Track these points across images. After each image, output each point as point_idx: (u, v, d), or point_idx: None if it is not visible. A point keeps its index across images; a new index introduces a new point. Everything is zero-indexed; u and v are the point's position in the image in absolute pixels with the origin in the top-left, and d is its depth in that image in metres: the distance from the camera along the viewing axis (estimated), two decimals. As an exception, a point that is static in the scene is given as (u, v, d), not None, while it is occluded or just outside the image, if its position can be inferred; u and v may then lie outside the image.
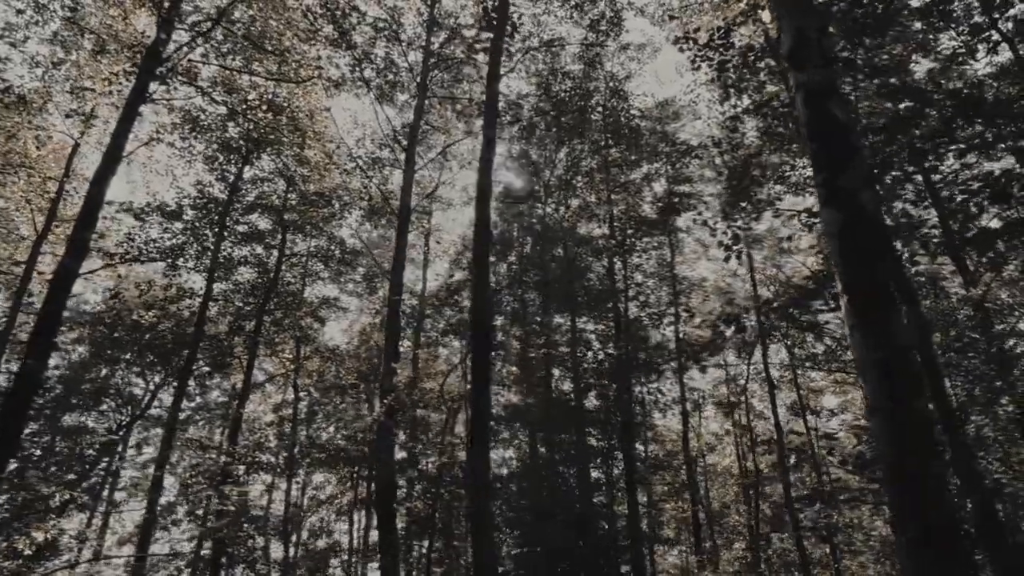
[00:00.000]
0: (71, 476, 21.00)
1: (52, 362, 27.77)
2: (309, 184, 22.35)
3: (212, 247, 18.54)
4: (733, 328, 8.81)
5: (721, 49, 10.51)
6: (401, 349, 15.50)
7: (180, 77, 15.15)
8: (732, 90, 10.65)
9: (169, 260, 17.75)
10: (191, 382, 25.45)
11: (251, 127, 18.74)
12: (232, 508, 17.80)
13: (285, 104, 18.21)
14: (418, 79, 17.16)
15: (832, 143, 4.99)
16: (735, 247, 9.70)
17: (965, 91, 7.34)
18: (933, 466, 3.89)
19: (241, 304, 20.87)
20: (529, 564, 14.56)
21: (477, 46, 14.31)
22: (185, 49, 13.84)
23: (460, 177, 26.80)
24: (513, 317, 24.81)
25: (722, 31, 10.16)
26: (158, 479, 16.07)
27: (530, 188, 24.15)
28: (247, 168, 21.30)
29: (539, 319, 23.36)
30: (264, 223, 22.22)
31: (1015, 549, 10.47)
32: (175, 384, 17.42)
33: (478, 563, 9.16)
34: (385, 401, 12.17)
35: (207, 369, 19.52)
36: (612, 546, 15.64)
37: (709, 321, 30.02)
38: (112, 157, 12.02)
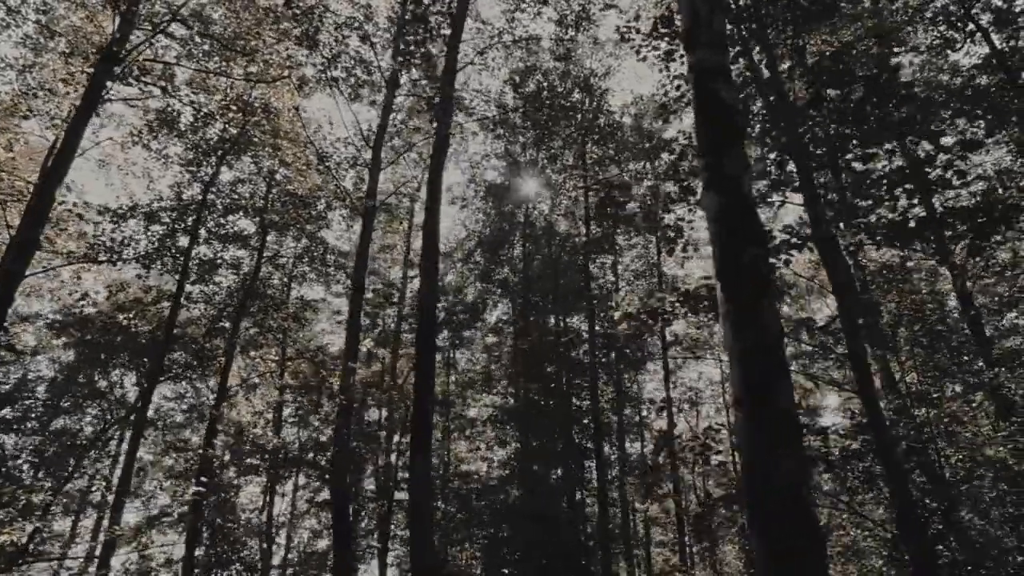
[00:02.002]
0: (48, 481, 21.11)
1: (41, 365, 28.04)
2: (290, 185, 22.31)
3: (184, 249, 18.44)
4: (658, 321, 8.61)
5: (667, 38, 10.32)
6: (366, 349, 15.35)
7: (144, 78, 15.07)
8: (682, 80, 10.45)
9: (144, 263, 17.64)
10: (171, 384, 25.71)
11: (223, 128, 18.71)
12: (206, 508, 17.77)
13: (256, 104, 18.14)
14: (387, 76, 17.02)
15: (717, 125, 4.80)
16: (680, 239, 9.49)
17: (875, 71, 7.08)
18: (785, 464, 3.69)
19: (220, 307, 20.82)
20: (496, 564, 14.38)
21: (436, 39, 14.16)
22: (142, 47, 13.69)
23: (446, 176, 26.64)
24: (504, 318, 24.70)
25: (665, 19, 9.96)
26: (125, 480, 15.96)
27: (515, 187, 24.00)
28: (224, 169, 21.33)
29: (530, 318, 23.18)
30: (244, 224, 22.23)
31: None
32: (144, 386, 17.32)
33: (415, 562, 9.02)
34: (338, 400, 12.02)
35: (181, 371, 19.42)
36: (582, 547, 15.42)
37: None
38: (64, 158, 11.96)
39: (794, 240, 7.60)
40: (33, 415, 22.57)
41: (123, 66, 13.01)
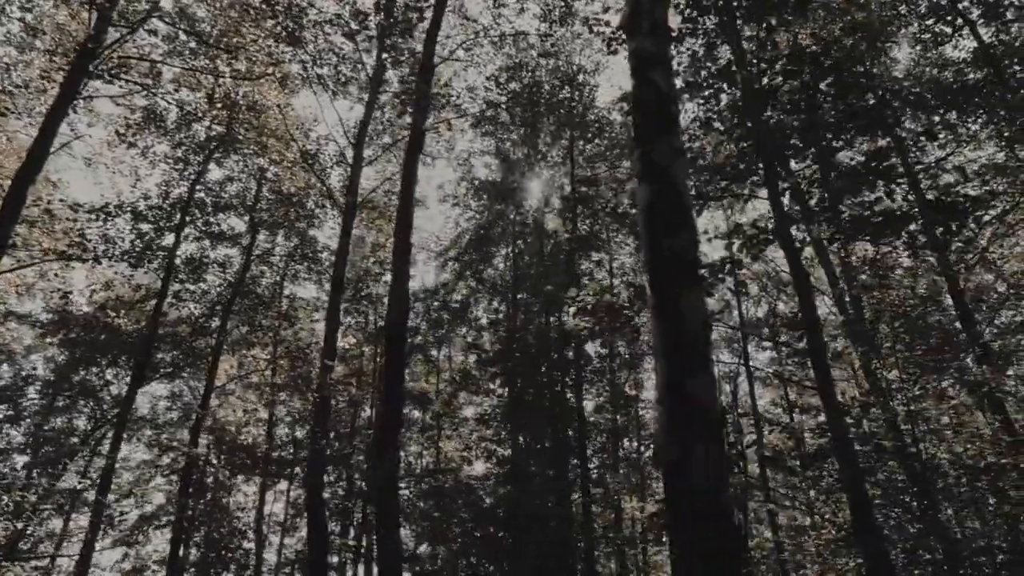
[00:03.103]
0: (42, 480, 21.12)
1: (37, 364, 28.08)
2: (280, 184, 22.27)
3: (170, 247, 18.39)
4: (619, 318, 8.49)
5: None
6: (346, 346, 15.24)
7: (124, 75, 15.02)
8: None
9: (128, 261, 17.58)
10: (167, 383, 25.70)
11: (209, 126, 18.67)
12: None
13: (242, 102, 18.08)
14: (371, 74, 16.93)
15: (651, 114, 4.69)
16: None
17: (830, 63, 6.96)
18: (703, 463, 3.58)
19: (211, 305, 20.78)
20: (478, 562, 14.28)
21: (409, 36, 14.08)
22: (118, 44, 13.64)
23: (437, 175, 26.62)
24: (493, 316, 24.55)
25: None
26: (106, 479, 15.92)
27: (506, 184, 23.87)
28: (214, 168, 21.31)
29: (520, 316, 23.04)
30: (233, 222, 22.21)
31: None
32: (127, 385, 17.29)
33: (382, 559, 8.94)
34: (312, 397, 11.95)
35: (169, 370, 19.39)
36: (568, 546, 15.30)
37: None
38: (38, 155, 11.91)
39: (762, 236, 7.48)
40: (26, 414, 22.64)
41: (97, 62, 12.93)
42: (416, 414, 24.90)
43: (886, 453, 9.76)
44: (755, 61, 9.02)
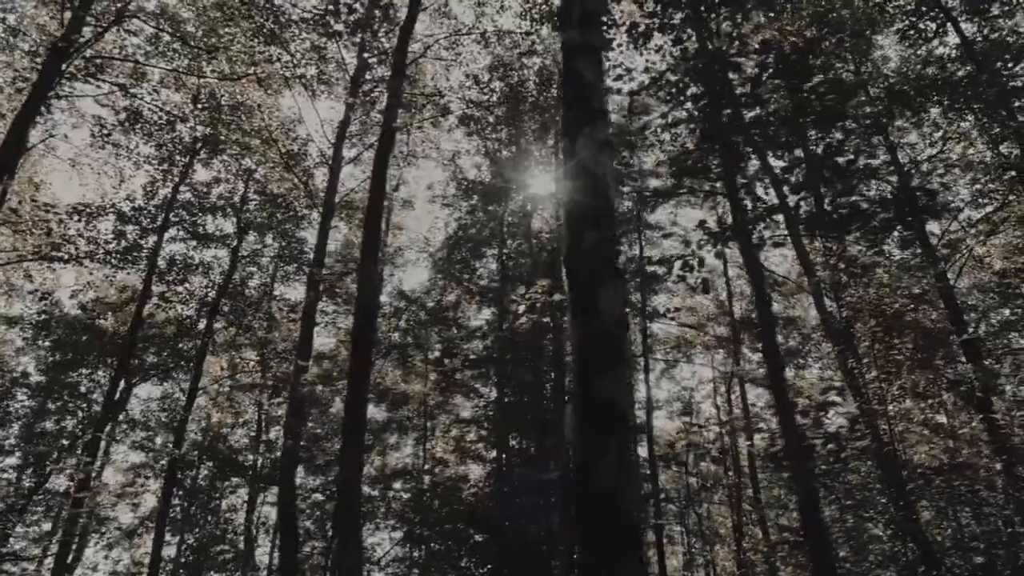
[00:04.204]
0: (32, 480, 21.08)
1: (29, 367, 28.06)
2: (268, 185, 22.22)
3: (152, 248, 18.34)
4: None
5: (606, 28, 10.10)
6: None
7: (100, 75, 14.97)
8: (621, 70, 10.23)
9: (108, 262, 17.53)
10: (160, 385, 25.65)
11: (192, 126, 18.61)
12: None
13: (224, 102, 18.03)
14: (352, 74, 16.85)
15: (575, 105, 4.59)
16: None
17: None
18: (608, 463, 3.46)
19: (197, 307, 20.73)
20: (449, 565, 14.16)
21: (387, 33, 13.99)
22: (90, 44, 13.57)
23: (426, 176, 26.52)
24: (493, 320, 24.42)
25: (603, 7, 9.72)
26: (84, 481, 15.85)
27: (495, 184, 23.76)
28: (199, 168, 21.26)
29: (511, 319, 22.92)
30: (220, 223, 22.13)
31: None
32: (107, 387, 17.23)
33: (340, 562, 8.83)
34: (283, 397, 11.86)
35: (153, 372, 19.32)
36: (548, 551, 15.19)
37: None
38: (9, 153, 11.85)
39: (715, 232, 7.36)
40: (13, 417, 22.60)
41: (70, 61, 12.86)
42: (387, 415, 24.76)
43: (863, 453, 9.63)
44: (722, 56, 8.90)
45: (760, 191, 7.43)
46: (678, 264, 7.42)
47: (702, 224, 8.18)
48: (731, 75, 8.50)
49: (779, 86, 7.08)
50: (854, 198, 7.72)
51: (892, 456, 10.72)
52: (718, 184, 7.80)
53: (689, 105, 8.74)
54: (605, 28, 10.23)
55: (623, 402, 3.66)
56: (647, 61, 10.18)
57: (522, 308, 9.29)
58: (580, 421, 3.64)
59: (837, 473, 9.60)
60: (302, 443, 13.23)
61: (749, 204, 7.36)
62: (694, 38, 9.61)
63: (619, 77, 10.57)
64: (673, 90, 9.10)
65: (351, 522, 8.86)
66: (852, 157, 6.45)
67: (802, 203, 8.02)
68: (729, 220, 8.12)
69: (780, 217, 8.87)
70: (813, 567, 5.76)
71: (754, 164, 7.91)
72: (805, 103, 6.67)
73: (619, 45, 10.31)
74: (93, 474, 24.54)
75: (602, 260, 4.01)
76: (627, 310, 4.11)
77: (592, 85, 4.65)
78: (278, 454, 13.76)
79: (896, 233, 6.97)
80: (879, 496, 10.96)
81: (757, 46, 9.24)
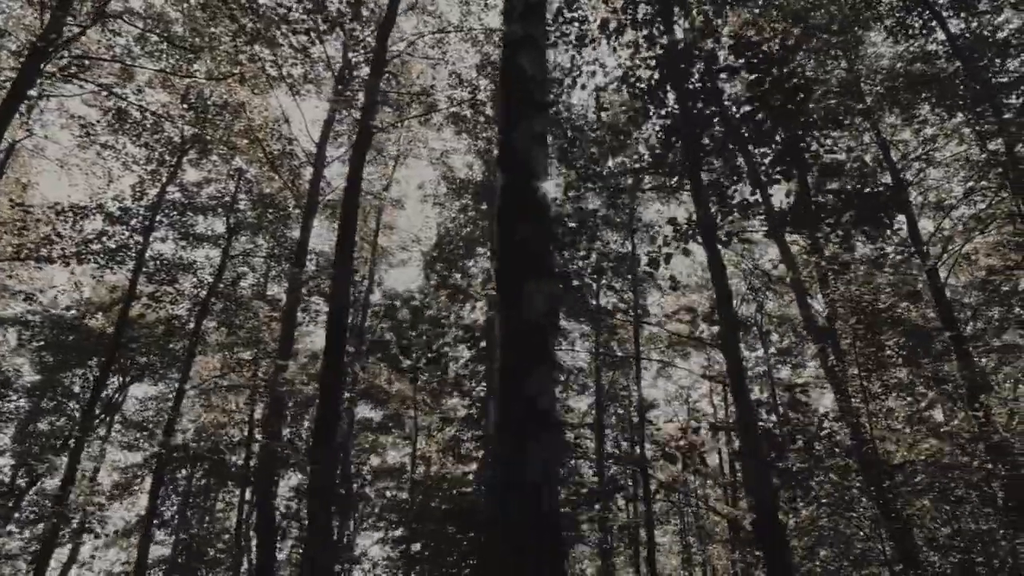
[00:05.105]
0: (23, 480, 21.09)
1: (23, 369, 28.09)
2: (260, 185, 22.19)
3: (139, 248, 18.31)
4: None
5: (577, 24, 10.06)
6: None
7: (82, 75, 14.95)
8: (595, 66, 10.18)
9: (97, 261, 17.50)
10: (156, 385, 25.65)
11: (179, 126, 18.59)
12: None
13: (210, 102, 17.99)
14: (336, 73, 16.78)
15: (514, 98, 4.53)
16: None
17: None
18: (532, 462, 3.41)
19: (189, 308, 20.70)
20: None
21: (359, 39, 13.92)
22: (66, 44, 13.54)
23: (418, 174, 26.48)
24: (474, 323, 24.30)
25: (573, 5, 9.70)
26: (68, 479, 15.83)
27: (487, 181, 23.69)
28: (190, 169, 21.24)
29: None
30: (211, 223, 22.09)
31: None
32: (92, 387, 17.22)
33: (305, 554, 8.78)
34: (259, 397, 11.82)
35: (142, 372, 19.31)
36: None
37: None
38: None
39: (679, 230, 7.31)
40: (8, 417, 22.60)
41: (46, 61, 12.83)
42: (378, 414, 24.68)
43: (837, 449, 9.56)
44: (689, 51, 8.84)
45: (738, 187, 7.36)
46: (644, 261, 7.35)
47: (672, 221, 8.13)
48: (698, 68, 8.45)
49: (749, 81, 7.01)
50: (817, 195, 7.66)
51: (871, 454, 10.64)
52: (675, 180, 7.74)
53: (660, 102, 8.69)
54: (578, 24, 10.21)
55: (546, 400, 3.60)
56: (619, 56, 10.13)
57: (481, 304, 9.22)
58: (501, 419, 3.59)
59: (811, 471, 9.52)
60: (282, 443, 13.17)
61: (714, 200, 7.29)
62: (665, 35, 9.54)
63: (593, 74, 10.54)
64: (642, 85, 9.04)
65: (324, 522, 8.82)
66: (814, 151, 6.38)
67: (773, 199, 7.96)
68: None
69: (757, 213, 8.78)
70: (767, 566, 5.67)
71: (720, 162, 7.85)
72: (765, 96, 6.60)
73: (591, 41, 10.27)
74: (87, 475, 24.68)
75: (531, 254, 3.95)
76: (557, 307, 4.05)
77: (533, 78, 4.59)
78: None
79: (865, 229, 6.88)
80: (861, 495, 10.89)
81: (731, 41, 9.19)
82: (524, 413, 3.51)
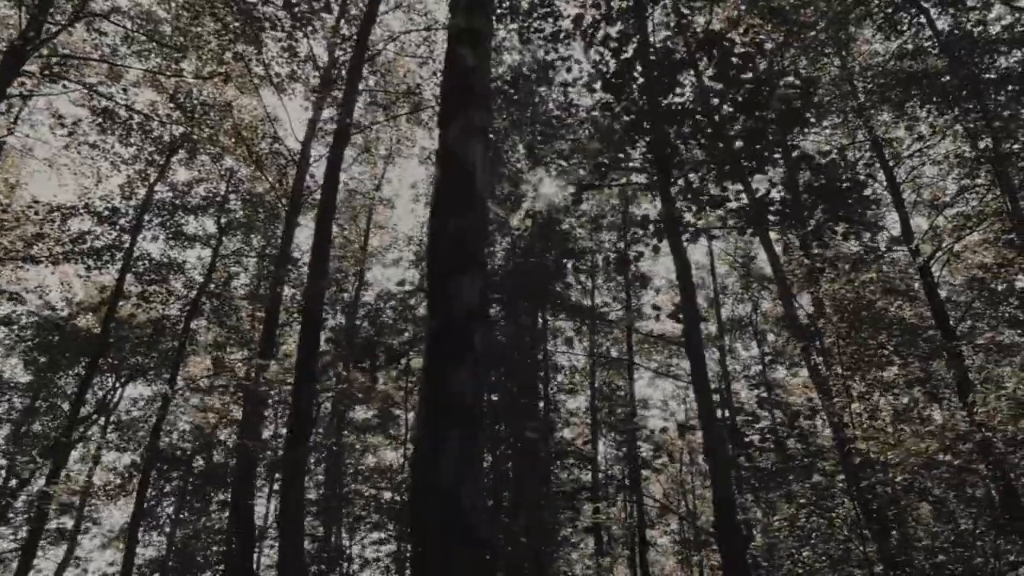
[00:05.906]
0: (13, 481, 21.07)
1: (16, 370, 28.08)
2: (250, 184, 22.14)
3: (126, 249, 18.27)
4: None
5: (550, 19, 10.01)
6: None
7: (64, 75, 14.90)
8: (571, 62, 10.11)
9: (83, 261, 17.45)
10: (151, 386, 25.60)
11: (168, 126, 18.54)
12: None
13: (197, 102, 17.95)
14: (322, 72, 16.71)
15: (453, 90, 4.46)
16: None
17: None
18: (449, 460, 3.32)
19: (180, 308, 20.66)
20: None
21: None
22: (46, 44, 13.50)
23: (410, 174, 26.46)
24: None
25: (545, 1, 9.65)
26: (51, 480, 15.79)
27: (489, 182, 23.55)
28: (180, 168, 21.21)
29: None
30: (202, 223, 22.06)
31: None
32: (77, 389, 17.18)
33: (280, 564, 8.72)
34: (234, 397, 11.76)
35: (127, 372, 19.26)
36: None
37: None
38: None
39: (650, 227, 7.22)
40: (2, 418, 22.58)
41: (24, 60, 12.78)
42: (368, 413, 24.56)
43: (814, 450, 9.45)
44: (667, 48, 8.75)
45: (707, 183, 7.26)
46: (612, 257, 7.27)
47: (644, 219, 8.04)
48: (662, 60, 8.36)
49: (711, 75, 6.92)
50: (787, 191, 7.56)
51: (851, 453, 10.54)
52: (635, 177, 7.65)
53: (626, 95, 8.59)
54: (552, 21, 10.13)
55: (471, 396, 3.52)
56: (594, 52, 10.06)
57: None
58: (424, 414, 3.51)
59: (786, 471, 9.42)
60: (258, 441, 13.10)
61: (686, 197, 7.20)
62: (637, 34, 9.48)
63: (569, 69, 10.47)
64: (612, 79, 8.95)
65: (296, 521, 8.75)
66: (767, 150, 6.28)
67: (744, 196, 7.86)
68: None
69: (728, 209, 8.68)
70: (723, 566, 5.58)
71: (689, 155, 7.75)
72: (727, 90, 6.50)
73: (566, 37, 10.22)
74: (76, 476, 24.65)
75: (463, 249, 3.87)
76: (486, 301, 3.97)
77: (474, 70, 4.52)
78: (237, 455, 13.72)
79: (831, 225, 6.77)
80: (842, 494, 10.80)
81: (701, 35, 9.09)
82: (449, 410, 3.43)
